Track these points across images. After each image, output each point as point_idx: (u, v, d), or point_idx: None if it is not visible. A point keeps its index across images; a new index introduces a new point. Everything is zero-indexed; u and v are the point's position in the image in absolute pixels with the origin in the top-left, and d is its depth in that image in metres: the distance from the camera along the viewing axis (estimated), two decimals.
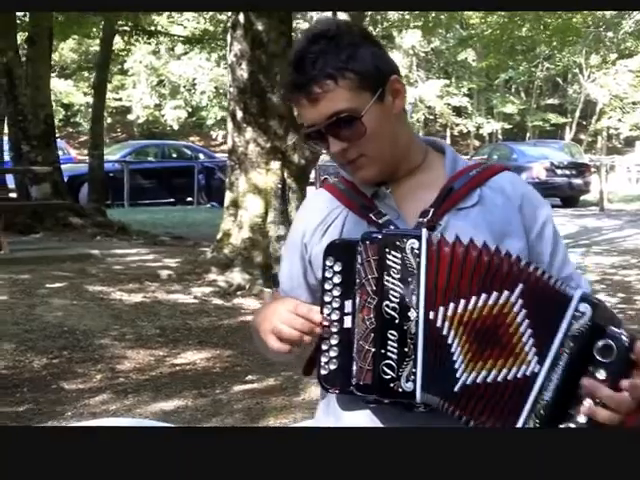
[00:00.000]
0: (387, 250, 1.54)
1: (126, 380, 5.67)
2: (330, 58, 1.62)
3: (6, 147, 13.06)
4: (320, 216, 1.78)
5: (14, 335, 6.50)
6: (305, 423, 2.45)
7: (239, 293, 8.37)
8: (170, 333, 6.87)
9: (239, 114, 9.09)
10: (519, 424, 1.48)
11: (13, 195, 12.95)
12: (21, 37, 13.99)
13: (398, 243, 1.53)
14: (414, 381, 1.50)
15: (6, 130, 13.08)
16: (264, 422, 4.91)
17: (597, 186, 21.76)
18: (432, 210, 1.67)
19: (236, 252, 8.88)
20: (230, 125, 9.33)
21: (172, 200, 19.64)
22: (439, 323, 1.51)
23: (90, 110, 34.12)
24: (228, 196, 9.31)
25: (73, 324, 6.86)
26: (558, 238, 1.77)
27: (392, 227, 1.66)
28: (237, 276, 8.61)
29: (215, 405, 5.21)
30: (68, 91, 34.44)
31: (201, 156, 22.15)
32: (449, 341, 1.51)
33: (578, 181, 21.78)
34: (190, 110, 38.99)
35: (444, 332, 1.51)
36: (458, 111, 40.74)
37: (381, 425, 1.63)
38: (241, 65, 9.04)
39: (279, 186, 9.00)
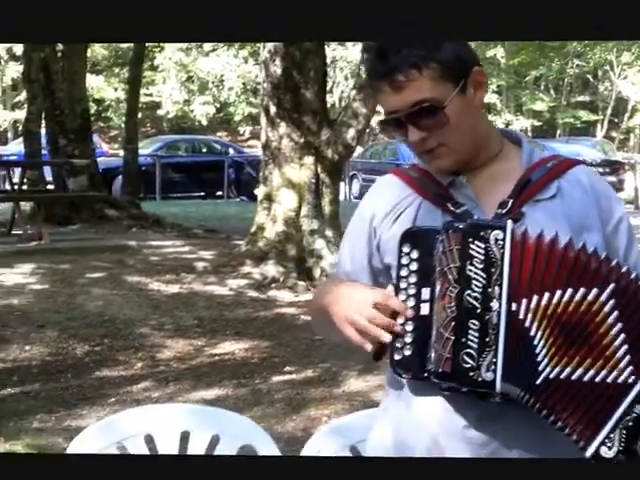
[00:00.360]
0: (470, 240, 1.55)
1: (167, 368, 5.77)
2: (415, 47, 1.63)
3: (43, 141, 13.23)
4: (391, 202, 1.77)
5: (56, 323, 6.62)
6: (364, 412, 2.45)
7: (273, 286, 8.44)
8: (207, 324, 6.96)
9: (273, 109, 9.15)
10: (604, 431, 1.49)
11: (51, 187, 13.18)
12: None
13: (482, 233, 1.54)
14: (494, 371, 1.50)
15: (43, 124, 13.25)
16: (305, 412, 4.99)
17: (631, 184, 21.58)
18: (511, 201, 1.67)
19: (270, 245, 8.96)
20: (264, 120, 9.40)
21: (202, 194, 19.81)
22: (522, 315, 1.52)
23: (120, 105, 34.50)
24: (262, 190, 9.40)
25: (113, 313, 6.98)
26: (632, 234, 1.77)
27: (473, 217, 1.65)
28: (271, 269, 8.69)
29: (255, 395, 5.29)
30: (99, 86, 34.71)
31: (231, 151, 22.30)
32: (532, 333, 1.52)
33: (612, 179, 21.60)
34: (218, 106, 39.13)
35: (527, 324, 1.52)
36: (487, 108, 40.62)
37: (453, 412, 1.63)
38: (275, 61, 9.10)
39: (312, 181, 9.07)
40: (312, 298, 1.98)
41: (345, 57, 32.78)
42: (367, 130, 12.90)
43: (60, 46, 13.29)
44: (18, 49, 27.23)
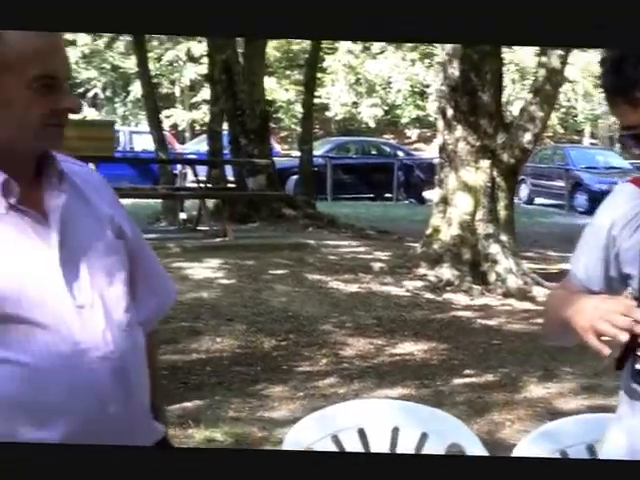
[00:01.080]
0: None
1: (350, 366, 5.93)
2: None
3: (225, 140, 13.76)
4: (633, 211, 1.75)
5: (244, 317, 6.92)
6: (573, 418, 2.49)
7: (448, 288, 8.49)
8: (386, 323, 7.09)
9: (449, 112, 9.18)
10: None
11: (232, 186, 13.72)
12: None
13: None
14: None
15: (225, 124, 13.78)
16: (488, 416, 5.01)
17: None
18: None
19: (445, 248, 9.00)
20: (440, 123, 9.45)
21: (371, 195, 20.03)
22: None
23: (291, 107, 35.23)
24: (438, 193, 9.45)
25: (296, 309, 7.22)
26: None
27: None
28: (446, 272, 8.73)
29: (438, 396, 5.35)
30: (272, 88, 35.60)
31: (400, 153, 22.44)
32: None
33: None
34: (386, 108, 39.31)
35: None
36: None
37: None
38: (452, 63, 9.13)
39: (488, 184, 9.04)
40: (545, 305, 2.02)
41: (512, 60, 32.26)
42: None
43: (240, 48, 13.81)
44: (197, 50, 28.31)
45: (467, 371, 5.92)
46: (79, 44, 28.44)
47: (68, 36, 20.55)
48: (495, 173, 9.06)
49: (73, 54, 26.72)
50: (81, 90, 31.13)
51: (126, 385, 1.54)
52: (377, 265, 9.08)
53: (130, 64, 26.97)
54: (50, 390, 1.47)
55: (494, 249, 8.86)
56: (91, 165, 10.81)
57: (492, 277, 8.74)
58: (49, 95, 1.49)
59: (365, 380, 5.61)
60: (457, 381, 5.70)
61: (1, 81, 1.47)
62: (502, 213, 9.11)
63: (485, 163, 9.01)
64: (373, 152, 22.57)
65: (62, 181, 1.58)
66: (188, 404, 4.93)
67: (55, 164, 1.58)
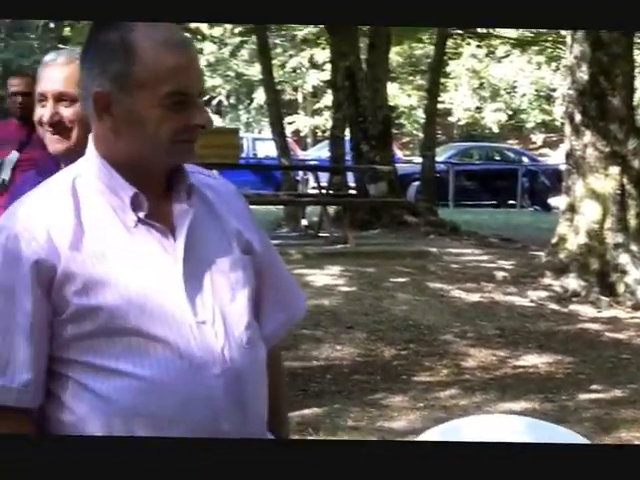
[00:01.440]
0: None
1: (472, 377, 5.83)
2: None
3: (347, 147, 13.83)
4: None
5: (364, 325, 6.90)
6: None
7: (575, 299, 8.24)
8: (509, 334, 6.94)
9: (577, 117, 8.93)
10: None
11: (353, 192, 13.78)
12: (362, 42, 14.71)
13: None
14: None
15: (347, 131, 13.85)
16: (615, 434, 4.83)
17: None
18: None
19: (571, 257, 8.75)
20: (567, 128, 9.21)
21: (494, 202, 19.70)
22: None
23: (413, 112, 35.14)
24: (564, 200, 9.20)
25: (417, 318, 7.15)
26: None
27: None
28: (572, 282, 8.48)
29: (562, 411, 5.19)
30: (394, 94, 35.59)
31: (524, 159, 22.03)
32: None
33: None
34: (510, 113, 38.73)
35: None
36: None
37: None
38: (581, 67, 8.88)
39: (618, 192, 8.74)
40: None
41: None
42: None
43: (363, 54, 13.87)
44: (320, 57, 28.55)
45: (594, 386, 5.74)
46: (205, 52, 29.12)
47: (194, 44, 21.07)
48: (625, 180, 8.76)
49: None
50: (206, 98, 31.85)
51: (241, 402, 1.55)
52: (500, 274, 8.91)
53: (254, 71, 27.44)
54: (165, 404, 1.49)
55: (623, 259, 8.57)
56: (215, 172, 11.12)
57: (621, 288, 8.44)
58: (181, 111, 1.51)
59: (487, 392, 5.50)
60: (583, 396, 5.52)
61: (134, 98, 1.50)
62: (632, 222, 8.80)
63: (615, 170, 8.72)
64: (497, 158, 22.23)
65: (191, 195, 1.59)
66: (307, 411, 4.95)
67: (185, 178, 1.60)
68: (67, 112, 2.13)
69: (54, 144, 2.15)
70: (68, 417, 1.51)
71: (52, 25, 33.67)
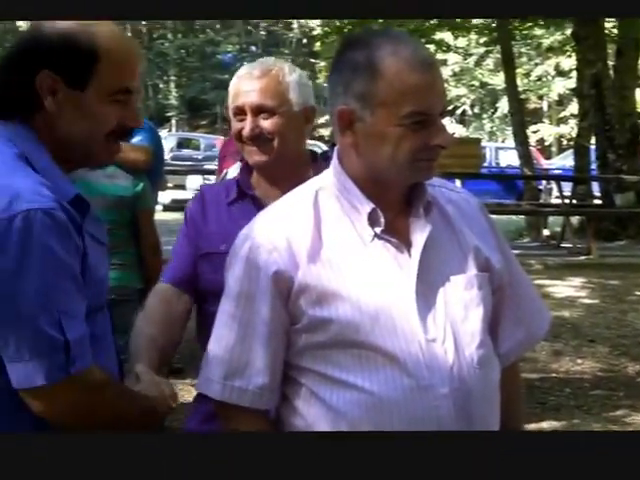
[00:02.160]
0: None
1: None
2: None
3: (592, 156, 13.45)
4: None
5: (607, 339, 6.69)
6: None
7: None
8: None
9: None
10: None
11: (597, 202, 13.38)
12: (610, 49, 14.22)
13: None
14: None
15: (592, 139, 13.45)
16: None
17: None
18: None
19: None
20: None
21: None
22: None
23: None
24: None
25: None
26: None
27: None
28: None
29: None
30: None
31: None
32: None
33: None
34: None
35: None
36: None
37: None
38: None
39: None
40: None
41: None
42: None
43: (611, 61, 13.41)
44: (566, 65, 27.73)
45: None
46: (449, 63, 29.18)
47: (439, 55, 21.11)
48: None
49: (444, 73, 27.47)
50: (450, 107, 31.89)
51: (470, 423, 1.54)
52: None
53: (498, 80, 27.12)
54: (391, 421, 1.51)
55: None
56: (457, 182, 11.11)
57: None
58: (421, 131, 1.53)
59: None
60: None
61: (375, 116, 1.53)
62: None
63: None
64: None
65: (430, 211, 1.61)
66: (544, 425, 4.87)
67: (424, 194, 1.61)
68: (266, 124, 2.09)
69: (253, 156, 2.12)
70: (299, 422, 1.58)
71: (305, 41, 35.07)
